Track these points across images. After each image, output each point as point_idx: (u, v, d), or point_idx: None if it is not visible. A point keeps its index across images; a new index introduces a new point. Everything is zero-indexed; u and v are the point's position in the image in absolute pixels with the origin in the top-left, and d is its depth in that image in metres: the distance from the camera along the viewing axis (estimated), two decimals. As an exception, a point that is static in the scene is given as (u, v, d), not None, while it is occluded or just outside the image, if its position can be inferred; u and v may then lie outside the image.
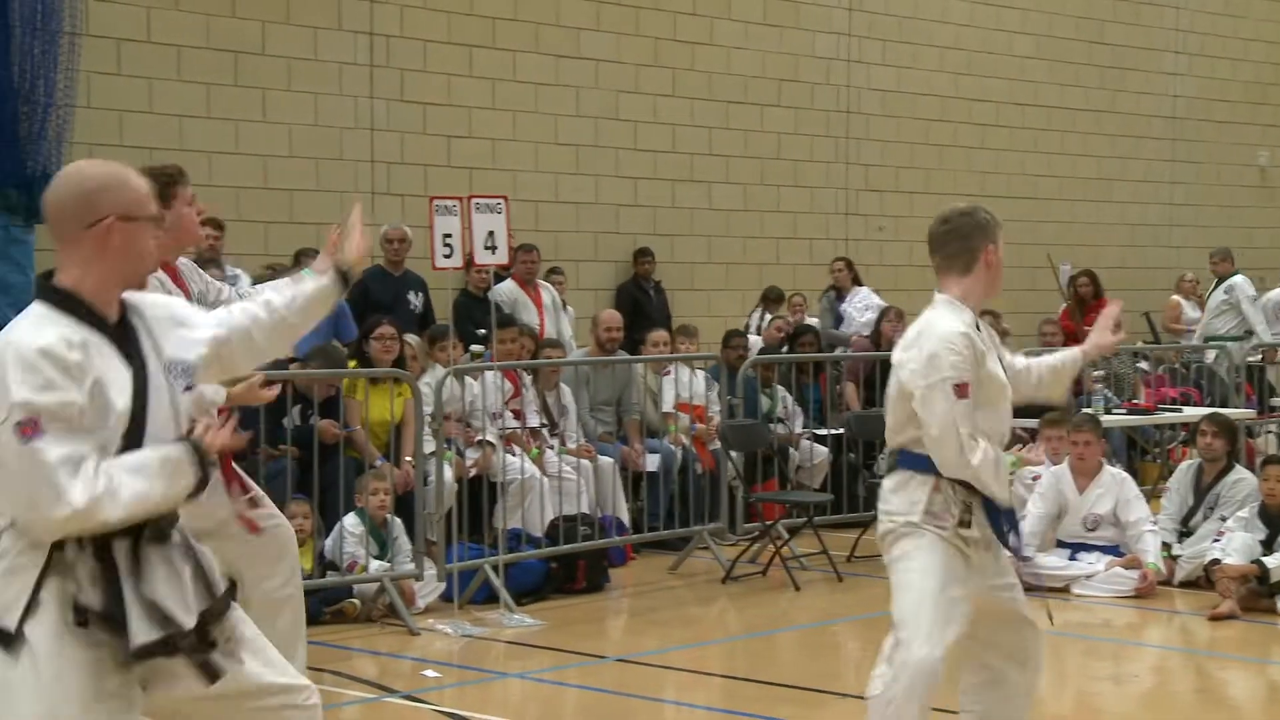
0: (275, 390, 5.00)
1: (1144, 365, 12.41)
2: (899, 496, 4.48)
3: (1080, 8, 16.45)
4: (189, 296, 5.02)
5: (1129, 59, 16.80)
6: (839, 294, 13.24)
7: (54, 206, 3.22)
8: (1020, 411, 11.04)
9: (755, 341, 12.02)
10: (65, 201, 3.20)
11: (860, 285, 13.33)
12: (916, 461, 4.45)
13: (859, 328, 12.68)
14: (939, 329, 4.43)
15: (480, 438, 8.70)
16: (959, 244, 4.50)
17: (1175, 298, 15.13)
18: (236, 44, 11.09)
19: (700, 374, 10.25)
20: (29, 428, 2.98)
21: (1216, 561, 8.21)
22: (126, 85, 10.62)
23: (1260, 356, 13.26)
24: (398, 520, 7.99)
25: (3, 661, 3.02)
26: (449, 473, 8.25)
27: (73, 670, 3.03)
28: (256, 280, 9.66)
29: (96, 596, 3.05)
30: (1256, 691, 7.10)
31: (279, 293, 3.54)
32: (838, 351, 12.52)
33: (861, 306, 12.91)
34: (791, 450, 10.65)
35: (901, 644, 4.41)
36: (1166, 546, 8.70)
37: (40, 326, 3.09)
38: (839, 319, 13.11)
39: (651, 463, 9.80)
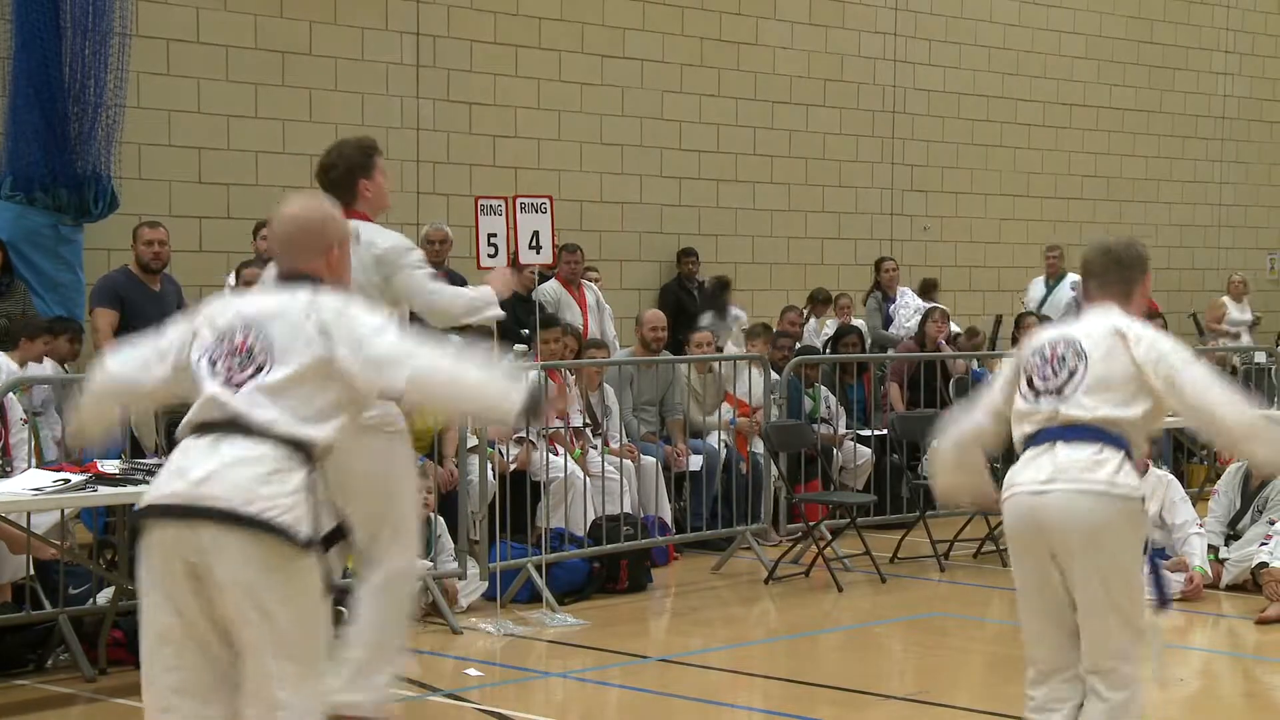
0: None
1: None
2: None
3: (1131, 7, 16.33)
4: None
5: (1178, 58, 16.66)
6: (886, 295, 13.20)
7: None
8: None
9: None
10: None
11: (903, 286, 13.30)
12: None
13: (908, 330, 12.63)
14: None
15: (517, 435, 8.72)
16: (1118, 273, 4.63)
17: (1222, 299, 14.98)
18: (284, 44, 11.16)
19: (760, 374, 10.21)
20: None
21: (1264, 565, 8.14)
22: (175, 85, 10.71)
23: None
24: (440, 519, 8.03)
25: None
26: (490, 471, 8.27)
27: None
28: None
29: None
30: (1305, 697, 7.03)
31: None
32: (888, 353, 12.50)
33: (911, 310, 12.86)
34: (835, 451, 10.63)
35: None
36: (1213, 549, 8.63)
37: None
38: (888, 320, 13.07)
39: (694, 463, 9.81)
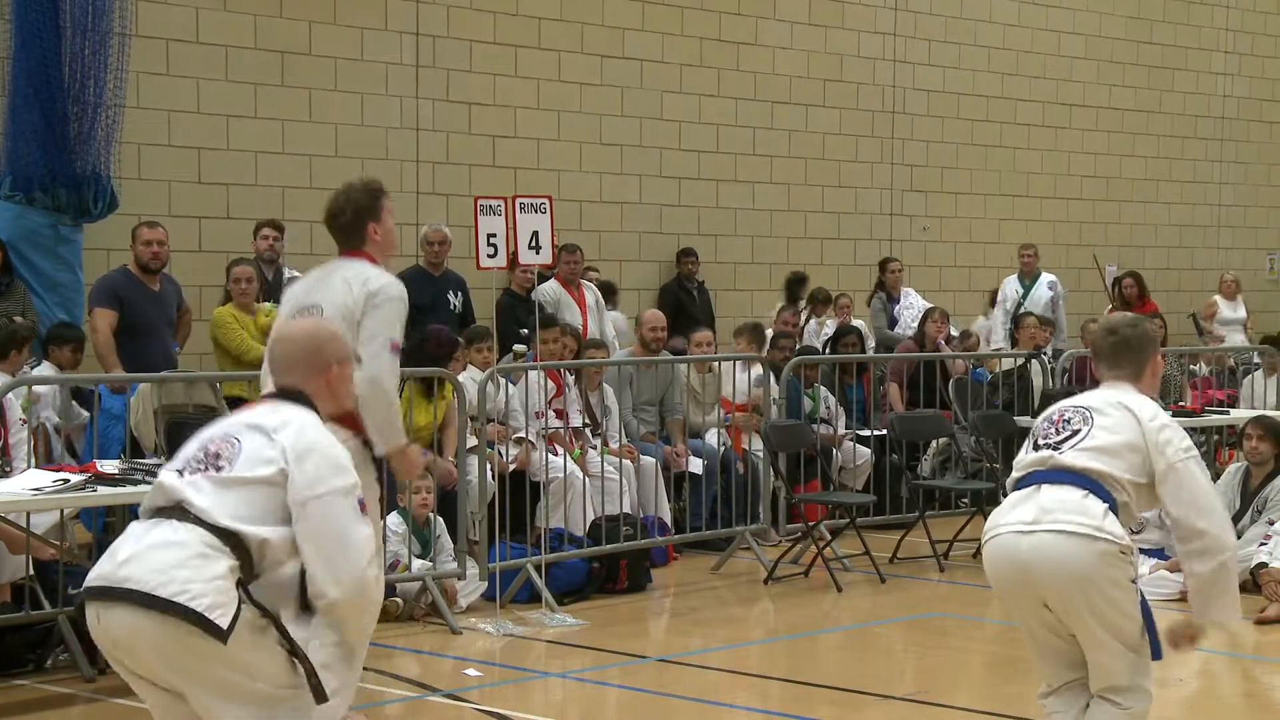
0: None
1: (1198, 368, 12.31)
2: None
3: (1130, 8, 16.33)
4: None
5: (1178, 59, 16.66)
6: (890, 296, 13.20)
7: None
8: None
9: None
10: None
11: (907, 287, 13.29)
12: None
13: (913, 329, 12.63)
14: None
15: (516, 435, 8.72)
16: (1130, 355, 4.66)
17: (1215, 297, 14.95)
18: (283, 44, 11.17)
19: (752, 371, 10.22)
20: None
21: (1263, 565, 8.14)
22: (175, 85, 10.71)
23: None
24: (440, 519, 8.03)
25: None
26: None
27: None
28: None
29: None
30: (1304, 697, 7.04)
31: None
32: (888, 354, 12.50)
33: (916, 310, 12.85)
34: (834, 451, 10.63)
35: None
36: (1213, 550, 8.62)
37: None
38: (893, 321, 13.07)
39: (694, 464, 9.81)
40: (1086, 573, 4.33)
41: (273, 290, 9.49)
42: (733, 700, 6.58)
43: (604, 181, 12.79)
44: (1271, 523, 8.47)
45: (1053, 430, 4.56)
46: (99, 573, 3.74)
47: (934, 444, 11.16)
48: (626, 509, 8.96)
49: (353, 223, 5.43)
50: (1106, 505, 4.39)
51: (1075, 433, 4.50)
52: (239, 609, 3.64)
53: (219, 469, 3.79)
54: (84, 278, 9.73)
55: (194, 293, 9.89)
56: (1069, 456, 4.45)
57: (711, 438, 10.12)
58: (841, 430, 10.81)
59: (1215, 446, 11.79)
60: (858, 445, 10.78)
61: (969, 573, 9.39)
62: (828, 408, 10.81)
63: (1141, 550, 8.61)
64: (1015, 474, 4.61)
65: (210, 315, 9.42)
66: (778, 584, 8.86)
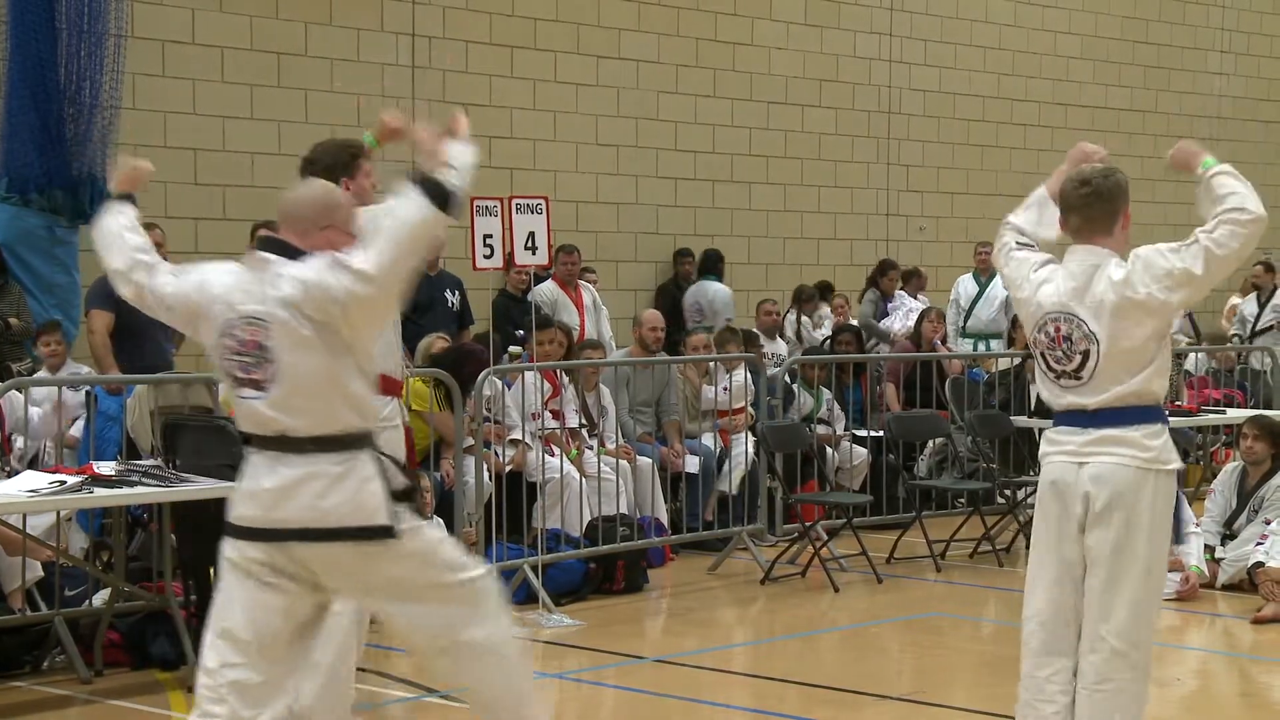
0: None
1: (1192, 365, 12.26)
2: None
3: (1126, 7, 16.35)
4: None
5: (1174, 59, 16.68)
6: (884, 295, 13.19)
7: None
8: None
9: (782, 345, 11.98)
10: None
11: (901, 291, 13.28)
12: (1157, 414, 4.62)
13: (906, 329, 12.62)
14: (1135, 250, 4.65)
15: (512, 436, 8.72)
16: (1103, 206, 4.65)
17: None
18: (279, 45, 11.17)
19: (738, 374, 10.22)
20: None
21: (1260, 564, 8.15)
22: (171, 86, 10.71)
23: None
24: (438, 520, 8.03)
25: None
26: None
27: None
28: None
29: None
30: (1300, 697, 7.04)
31: None
32: (880, 346, 12.50)
33: (906, 313, 12.84)
34: (831, 451, 10.63)
35: None
36: (1209, 549, 8.64)
37: None
38: (881, 316, 13.06)
39: (691, 464, 9.81)
40: (1141, 501, 4.53)
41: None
42: (729, 701, 6.59)
43: (600, 182, 12.79)
44: (1268, 522, 8.48)
45: (1059, 353, 4.61)
46: (247, 514, 4.00)
47: (930, 444, 11.17)
48: (623, 509, 8.96)
49: (323, 174, 5.19)
50: (1158, 424, 4.58)
51: (1085, 355, 4.56)
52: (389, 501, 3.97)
53: (268, 360, 3.95)
54: (80, 279, 9.73)
55: (190, 294, 9.88)
56: (1099, 397, 4.54)
57: (708, 439, 10.12)
58: (840, 431, 10.82)
59: (1212, 446, 11.81)
60: (854, 445, 10.78)
61: (965, 573, 9.39)
62: (829, 409, 10.82)
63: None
64: (1049, 395, 4.68)
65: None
66: (774, 584, 8.87)
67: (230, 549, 4.08)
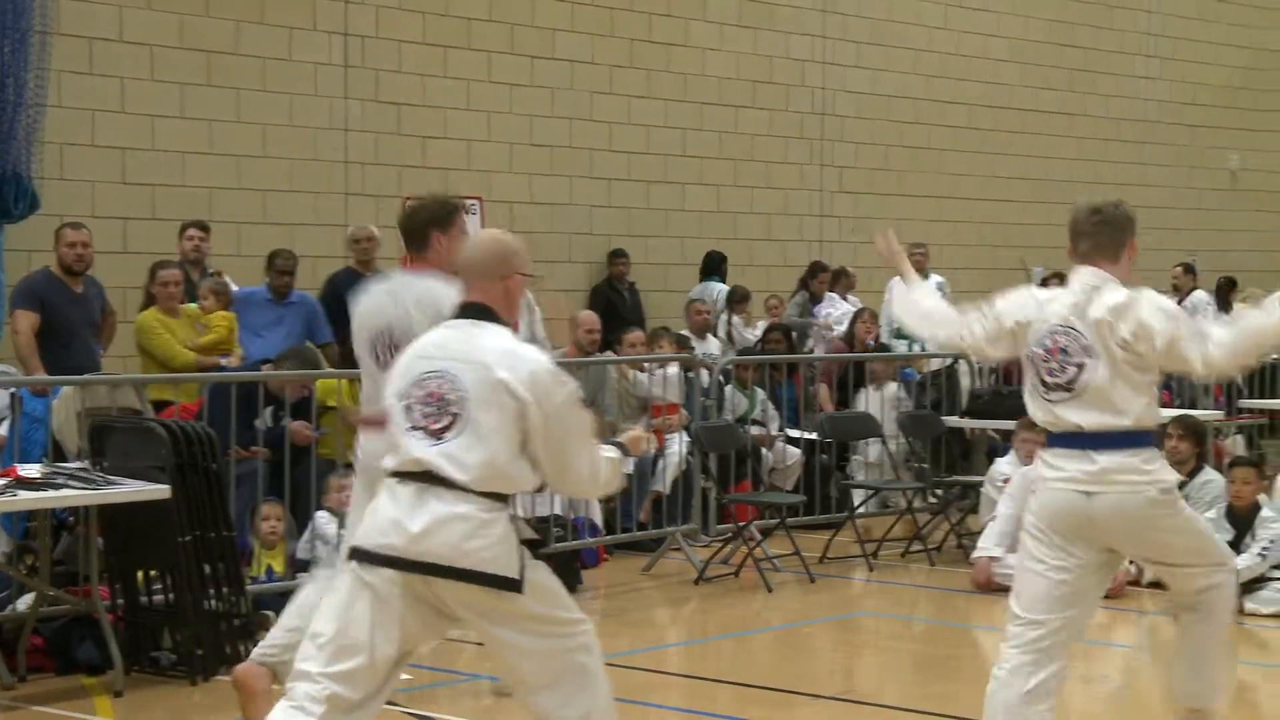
0: None
1: None
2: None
3: (1054, 11, 16.53)
4: None
5: (1101, 62, 16.88)
6: (813, 297, 13.26)
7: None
8: (995, 414, 11.03)
9: (715, 344, 12.00)
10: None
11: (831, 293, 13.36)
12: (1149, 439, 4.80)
13: (839, 332, 12.67)
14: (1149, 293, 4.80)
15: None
16: (1111, 233, 4.82)
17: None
18: (210, 44, 11.05)
19: (671, 373, 10.23)
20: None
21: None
22: (98, 85, 10.57)
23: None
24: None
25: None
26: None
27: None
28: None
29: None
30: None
31: None
32: (810, 341, 12.56)
33: (838, 314, 12.90)
34: (765, 451, 10.67)
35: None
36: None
37: None
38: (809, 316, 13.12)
39: (625, 464, 9.78)
40: (1147, 520, 4.71)
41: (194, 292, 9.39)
42: (663, 701, 6.59)
43: (534, 182, 12.76)
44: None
45: (1054, 364, 4.72)
46: (386, 542, 4.10)
47: (863, 444, 11.24)
48: (557, 510, 8.95)
49: (419, 227, 5.38)
50: (1151, 448, 4.73)
51: (1079, 368, 4.67)
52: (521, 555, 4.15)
53: (453, 416, 4.08)
54: (5, 279, 9.58)
55: (118, 295, 9.74)
56: (1094, 417, 4.65)
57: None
58: (774, 431, 10.86)
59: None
60: (788, 446, 10.83)
61: (897, 572, 9.47)
62: (764, 409, 10.85)
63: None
64: (1042, 418, 4.78)
65: (135, 319, 9.29)
66: (708, 584, 8.89)
67: None
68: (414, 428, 4.14)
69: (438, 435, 4.11)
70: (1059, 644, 4.76)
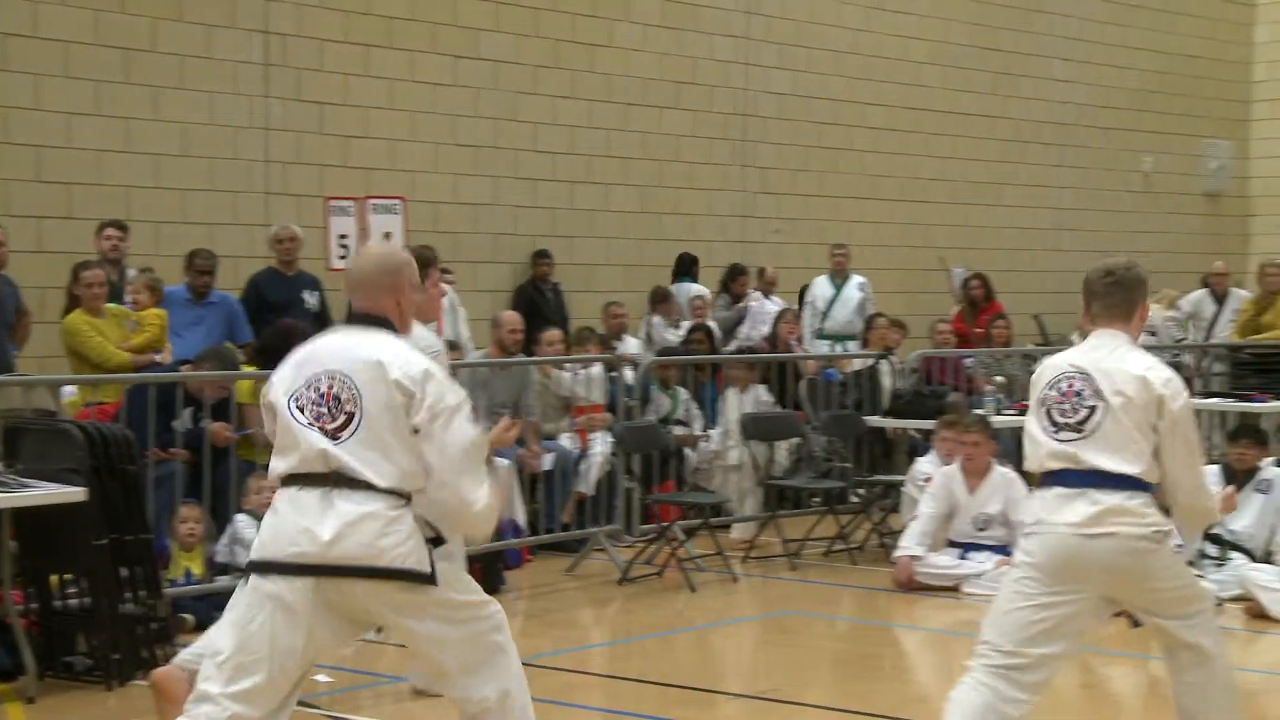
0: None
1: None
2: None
3: (974, 15, 16.70)
4: None
5: (1020, 66, 17.08)
6: (735, 298, 13.31)
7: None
8: (916, 414, 11.10)
9: (636, 344, 12.02)
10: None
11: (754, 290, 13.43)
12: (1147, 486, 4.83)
13: (762, 334, 12.73)
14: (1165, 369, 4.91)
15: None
16: (1123, 294, 4.93)
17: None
18: (126, 41, 10.90)
19: (595, 372, 10.24)
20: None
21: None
22: (11, 81, 10.40)
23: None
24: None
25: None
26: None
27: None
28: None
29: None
30: (1139, 687, 7.27)
31: None
32: (735, 338, 12.62)
33: (763, 315, 12.95)
34: (688, 451, 10.70)
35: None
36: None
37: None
38: (734, 323, 13.18)
39: (546, 462, 9.80)
40: (1142, 569, 4.76)
41: (116, 292, 9.27)
42: (586, 701, 6.60)
43: (458, 183, 12.71)
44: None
45: (1067, 405, 4.80)
46: (297, 550, 4.12)
47: (786, 443, 11.30)
48: (481, 511, 8.91)
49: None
50: (1147, 494, 4.77)
51: (1090, 410, 4.76)
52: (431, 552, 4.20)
53: (348, 415, 4.14)
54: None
55: (34, 294, 9.60)
56: (1102, 459, 4.73)
57: (566, 440, 10.13)
58: (698, 432, 10.89)
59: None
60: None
61: (821, 571, 9.53)
62: (686, 410, 10.88)
63: (986, 547, 8.84)
64: (1044, 456, 4.83)
65: (52, 318, 9.15)
66: (632, 585, 8.91)
67: None
68: (308, 426, 4.18)
69: (334, 435, 4.16)
70: (1035, 681, 4.79)
